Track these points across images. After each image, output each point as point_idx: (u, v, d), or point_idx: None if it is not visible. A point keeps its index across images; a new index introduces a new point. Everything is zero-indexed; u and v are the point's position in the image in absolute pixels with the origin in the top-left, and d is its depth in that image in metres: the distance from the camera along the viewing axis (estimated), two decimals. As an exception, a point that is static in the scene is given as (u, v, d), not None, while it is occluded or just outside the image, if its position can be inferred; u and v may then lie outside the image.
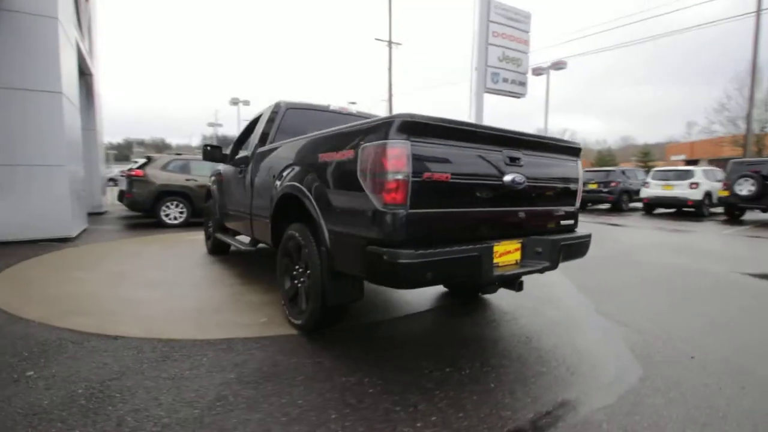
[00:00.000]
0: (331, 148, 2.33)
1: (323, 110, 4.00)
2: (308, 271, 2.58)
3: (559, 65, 20.44)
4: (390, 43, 28.11)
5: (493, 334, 2.77)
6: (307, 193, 2.48)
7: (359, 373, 2.15)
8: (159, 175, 8.04)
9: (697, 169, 12.45)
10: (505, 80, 14.73)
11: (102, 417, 1.71)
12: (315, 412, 1.78)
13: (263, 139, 3.64)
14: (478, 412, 1.81)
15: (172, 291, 3.63)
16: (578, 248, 2.70)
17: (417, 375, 2.14)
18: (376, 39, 27.99)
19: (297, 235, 2.66)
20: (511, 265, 2.37)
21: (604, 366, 2.31)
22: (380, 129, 1.92)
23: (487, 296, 3.55)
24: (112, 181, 17.97)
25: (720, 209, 12.07)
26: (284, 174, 2.91)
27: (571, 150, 2.77)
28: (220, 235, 4.79)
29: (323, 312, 2.51)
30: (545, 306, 3.35)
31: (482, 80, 13.92)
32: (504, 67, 14.46)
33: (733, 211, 11.20)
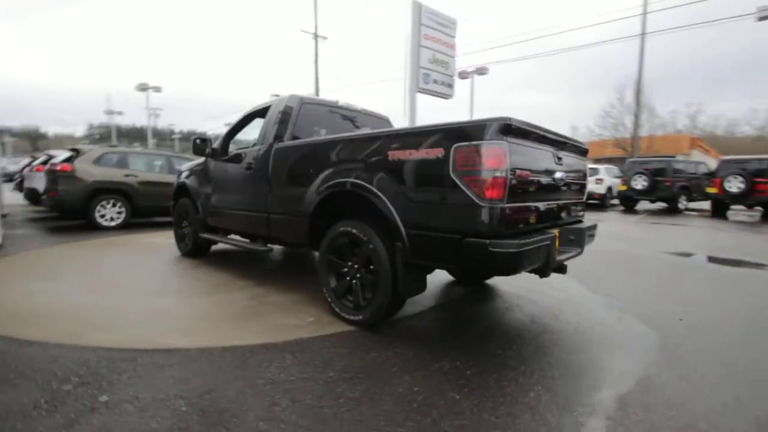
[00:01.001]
0: (406, 146, 2.40)
1: (333, 106, 3.96)
2: (371, 267, 2.62)
3: (482, 70, 22.14)
4: (316, 36, 27.64)
5: (524, 315, 3.09)
6: (375, 190, 2.51)
7: (446, 358, 2.29)
8: (91, 171, 6.98)
9: (601, 167, 14.63)
10: (435, 81, 15.57)
11: (235, 429, 1.61)
12: (437, 396, 1.89)
13: (279, 134, 3.50)
14: (571, 368, 2.09)
15: (181, 299, 3.31)
16: (593, 236, 3.14)
17: (493, 355, 2.36)
18: (302, 31, 27.30)
19: (355, 231, 2.67)
20: (559, 251, 2.70)
21: (623, 326, 2.78)
22: (481, 130, 2.08)
23: (491, 284, 3.88)
24: (7, 176, 14.93)
25: (616, 201, 14.33)
26: (330, 171, 2.88)
27: (583, 151, 3.20)
28: (208, 236, 4.43)
29: (391, 306, 2.58)
30: (548, 289, 3.79)
31: (415, 80, 14.55)
32: (434, 69, 15.29)
33: (628, 202, 13.41)
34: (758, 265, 5.02)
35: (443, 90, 16.13)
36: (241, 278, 3.95)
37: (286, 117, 3.55)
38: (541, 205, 2.51)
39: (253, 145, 4.57)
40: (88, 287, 3.53)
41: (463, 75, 22.28)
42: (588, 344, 2.58)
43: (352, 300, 2.79)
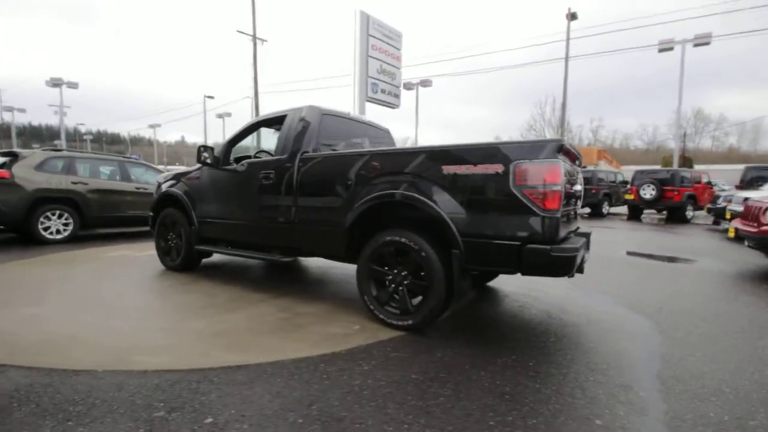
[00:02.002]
0: (462, 161, 2.61)
1: (346, 117, 4.04)
2: (422, 273, 2.77)
3: (426, 83, 23.17)
4: (254, 38, 26.74)
5: (538, 311, 3.45)
6: (429, 201, 2.68)
7: (503, 353, 2.52)
8: (32, 177, 6.13)
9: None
10: (383, 91, 16.20)
11: (366, 434, 1.68)
12: (521, 386, 2.11)
13: (300, 145, 3.49)
14: (607, 353, 2.44)
15: (207, 316, 3.13)
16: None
17: (539, 347, 2.65)
18: (239, 32, 26.26)
19: (404, 240, 2.80)
20: None
21: (622, 315, 3.26)
22: (543, 149, 2.37)
23: (491, 285, 4.23)
24: None
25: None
26: (372, 183, 2.98)
27: (580, 162, 3.68)
28: (206, 248, 4.20)
29: (442, 309, 2.76)
30: (540, 287, 4.21)
31: (364, 89, 15.01)
32: (382, 79, 15.87)
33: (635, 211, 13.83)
34: (687, 260, 6.03)
35: (390, 100, 16.74)
36: (253, 291, 3.82)
37: (306, 128, 3.56)
38: (566, 214, 2.87)
39: (255, 154, 4.47)
40: (89, 309, 3.19)
41: (408, 86, 23.16)
42: (605, 333, 2.98)
43: (397, 306, 2.91)
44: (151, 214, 4.89)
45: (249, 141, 4.66)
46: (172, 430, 1.67)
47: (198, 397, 1.92)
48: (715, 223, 11.00)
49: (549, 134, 36.49)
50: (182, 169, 4.87)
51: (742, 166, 14.49)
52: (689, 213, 12.70)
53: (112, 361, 2.26)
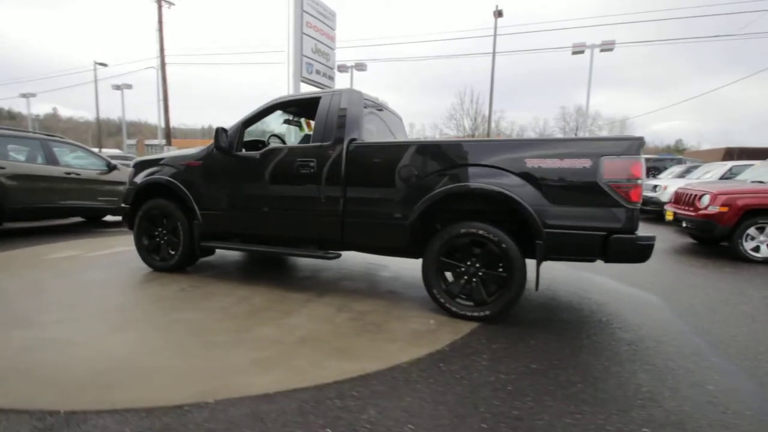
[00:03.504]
0: (548, 155, 2.69)
1: (376, 102, 3.84)
2: (499, 264, 2.83)
3: (361, 66, 22.79)
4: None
5: (564, 296, 3.77)
6: (511, 194, 2.72)
7: (582, 339, 2.73)
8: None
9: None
10: (318, 72, 15.67)
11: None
12: (627, 374, 2.32)
13: (343, 130, 3.24)
14: (644, 325, 2.80)
15: (271, 321, 2.79)
16: None
17: (603, 329, 2.92)
18: (142, -9, 22.86)
19: (481, 232, 2.82)
20: None
21: (634, 294, 3.74)
22: (629, 145, 2.56)
23: None
24: None
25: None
26: (441, 175, 2.92)
27: None
28: (217, 244, 3.69)
29: (518, 297, 2.86)
30: (547, 271, 4.59)
31: (299, 68, 14.35)
32: (317, 59, 15.34)
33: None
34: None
35: (325, 81, 16.17)
36: (285, 290, 3.50)
37: (352, 113, 3.31)
38: None
39: (268, 139, 4.04)
40: (109, 325, 2.60)
41: (343, 69, 22.55)
42: (632, 307, 3.38)
43: (473, 297, 2.93)
44: (126, 206, 4.11)
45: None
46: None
47: (357, 416, 1.74)
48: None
49: (467, 124, 39.09)
50: (173, 153, 4.14)
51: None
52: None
53: (217, 389, 1.90)
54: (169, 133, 23.37)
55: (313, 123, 4.96)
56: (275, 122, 4.45)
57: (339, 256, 3.35)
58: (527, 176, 2.74)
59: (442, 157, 2.97)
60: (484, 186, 2.80)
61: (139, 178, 4.09)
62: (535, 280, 2.85)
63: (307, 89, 14.75)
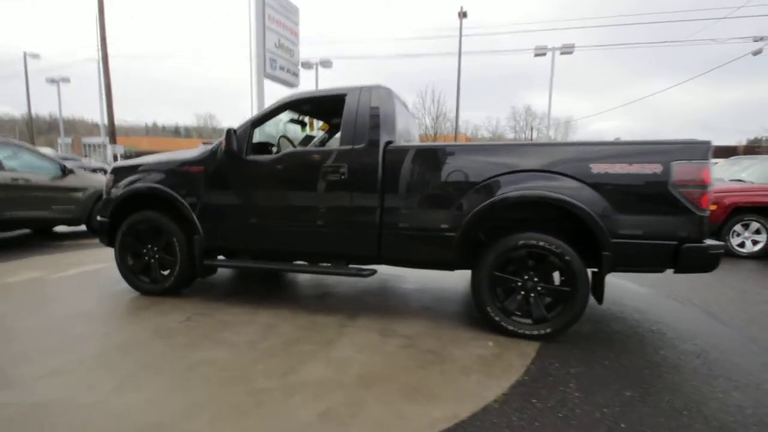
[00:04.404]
0: (614, 159, 2.50)
1: (399, 100, 3.50)
2: (563, 279, 2.62)
3: (326, 63, 22.13)
4: (99, -17, 21.40)
5: (609, 308, 3.66)
6: (576, 202, 2.51)
7: (665, 350, 2.58)
8: None
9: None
10: (282, 68, 15.03)
11: None
12: (715, 381, 2.18)
13: (377, 134, 2.88)
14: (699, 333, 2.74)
15: (314, 355, 2.37)
16: None
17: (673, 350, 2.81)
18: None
19: (543, 244, 2.59)
20: None
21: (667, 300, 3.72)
22: (699, 150, 2.43)
23: None
24: None
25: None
26: (496, 181, 2.65)
27: None
28: (224, 262, 3.19)
29: (582, 313, 2.66)
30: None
31: (262, 64, 13.67)
32: (280, 55, 14.69)
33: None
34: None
35: (289, 78, 15.57)
36: (312, 313, 3.07)
37: (380, 114, 2.95)
38: None
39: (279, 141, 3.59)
40: (107, 378, 2.07)
41: (307, 65, 21.77)
42: (668, 312, 3.32)
43: (531, 314, 2.69)
44: (104, 219, 3.46)
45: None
46: None
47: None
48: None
49: (428, 122, 39.41)
50: (159, 156, 3.52)
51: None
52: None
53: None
54: (113, 131, 21.37)
55: (316, 122, 4.57)
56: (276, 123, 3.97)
57: (374, 272, 2.99)
58: (592, 182, 2.54)
59: (497, 161, 2.70)
60: (547, 194, 2.56)
61: (120, 187, 3.46)
62: (597, 293, 2.67)
63: (269, 87, 13.93)
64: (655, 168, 2.46)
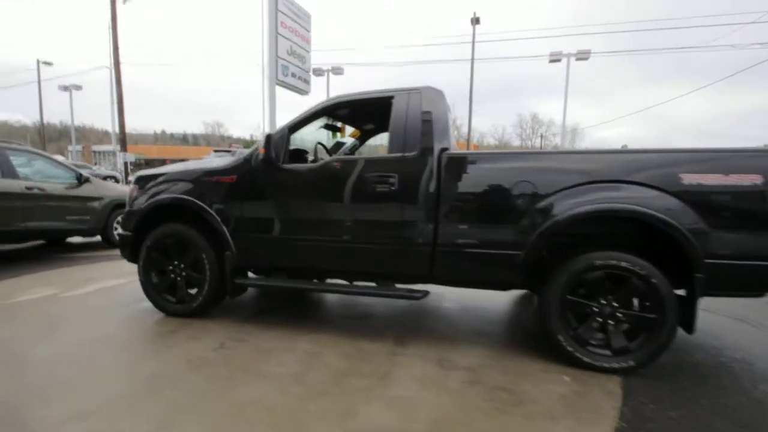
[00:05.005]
0: (709, 168, 2.21)
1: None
2: (645, 304, 2.31)
3: (338, 70, 22.06)
4: (112, -7, 21.55)
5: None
6: (664, 217, 2.20)
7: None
8: None
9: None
10: (293, 75, 14.91)
11: None
12: None
13: (431, 138, 2.61)
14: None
15: (372, 393, 2.07)
16: None
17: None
18: (94, -16, 20.92)
19: (624, 264, 2.28)
20: None
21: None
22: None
23: None
24: None
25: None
26: (569, 193, 2.35)
27: None
28: (259, 282, 2.91)
29: (670, 342, 2.34)
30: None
31: (274, 70, 13.55)
32: (292, 62, 14.56)
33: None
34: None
35: (300, 85, 15.45)
36: (355, 338, 2.78)
37: (432, 119, 2.68)
38: None
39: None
40: (141, 422, 1.78)
41: (319, 72, 21.73)
42: (733, 333, 2.99)
43: (609, 344, 2.38)
44: (127, 233, 3.21)
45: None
46: None
47: None
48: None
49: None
50: (186, 165, 3.27)
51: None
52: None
53: None
54: (124, 138, 21.39)
55: (348, 128, 4.31)
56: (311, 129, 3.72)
57: (427, 294, 2.69)
58: (683, 195, 2.23)
59: (572, 170, 2.40)
60: (632, 208, 2.26)
61: (144, 198, 3.21)
62: (685, 321, 2.35)
63: (281, 94, 13.78)
64: (754, 179, 2.16)
